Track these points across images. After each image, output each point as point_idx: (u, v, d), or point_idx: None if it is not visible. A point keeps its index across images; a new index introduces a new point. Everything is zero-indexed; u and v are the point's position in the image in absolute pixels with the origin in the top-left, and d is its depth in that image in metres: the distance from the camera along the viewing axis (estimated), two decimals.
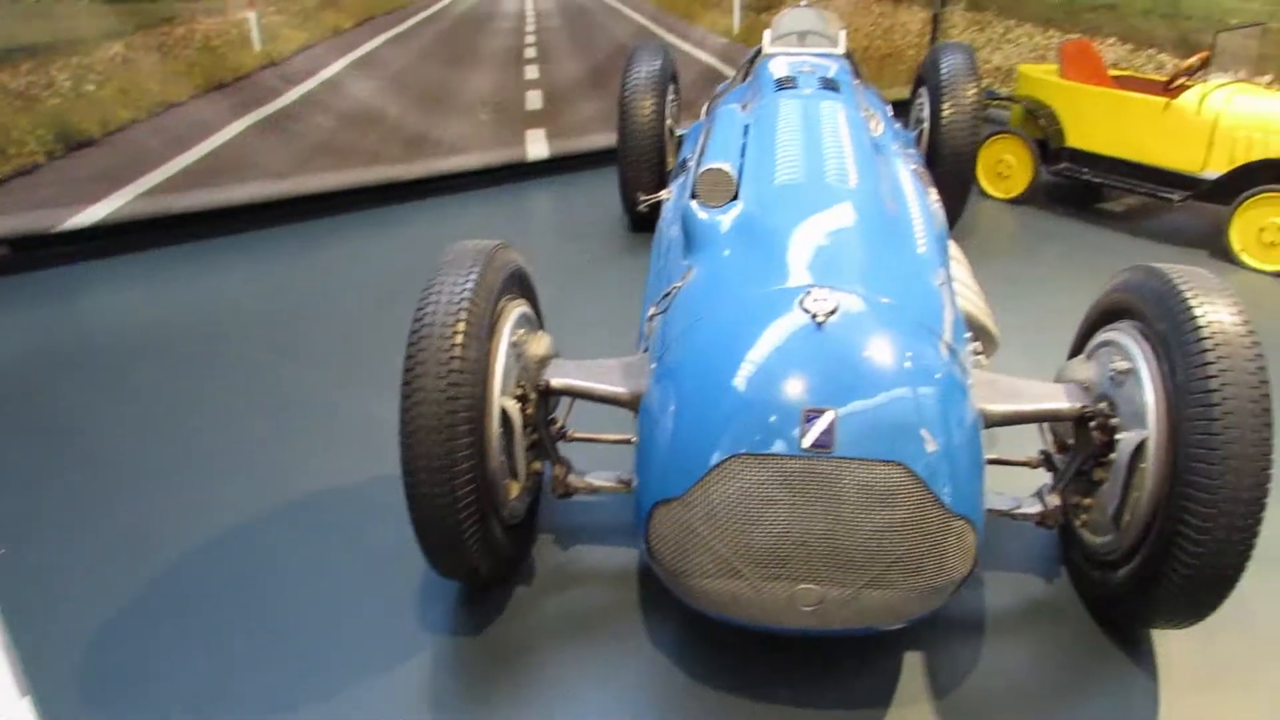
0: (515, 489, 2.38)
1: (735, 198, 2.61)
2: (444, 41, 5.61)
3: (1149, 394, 2.10)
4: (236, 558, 2.66)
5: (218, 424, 3.34)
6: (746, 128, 3.18)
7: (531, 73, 5.96)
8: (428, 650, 2.34)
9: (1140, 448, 2.09)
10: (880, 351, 2.01)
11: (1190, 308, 2.05)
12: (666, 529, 2.00)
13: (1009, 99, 5.77)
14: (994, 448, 3.07)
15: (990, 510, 2.32)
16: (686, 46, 6.56)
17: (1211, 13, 6.12)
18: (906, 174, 3.06)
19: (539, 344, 2.56)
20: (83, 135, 4.71)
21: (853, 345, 2.01)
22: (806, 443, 1.88)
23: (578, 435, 2.71)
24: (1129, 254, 4.96)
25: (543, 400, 2.46)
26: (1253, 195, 4.57)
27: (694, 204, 2.58)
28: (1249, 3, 5.94)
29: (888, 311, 2.12)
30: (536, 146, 6.12)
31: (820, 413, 1.90)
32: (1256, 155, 4.70)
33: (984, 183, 5.81)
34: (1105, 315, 2.44)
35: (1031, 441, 2.64)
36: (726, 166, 2.60)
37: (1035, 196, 5.71)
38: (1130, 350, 2.21)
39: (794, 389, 1.94)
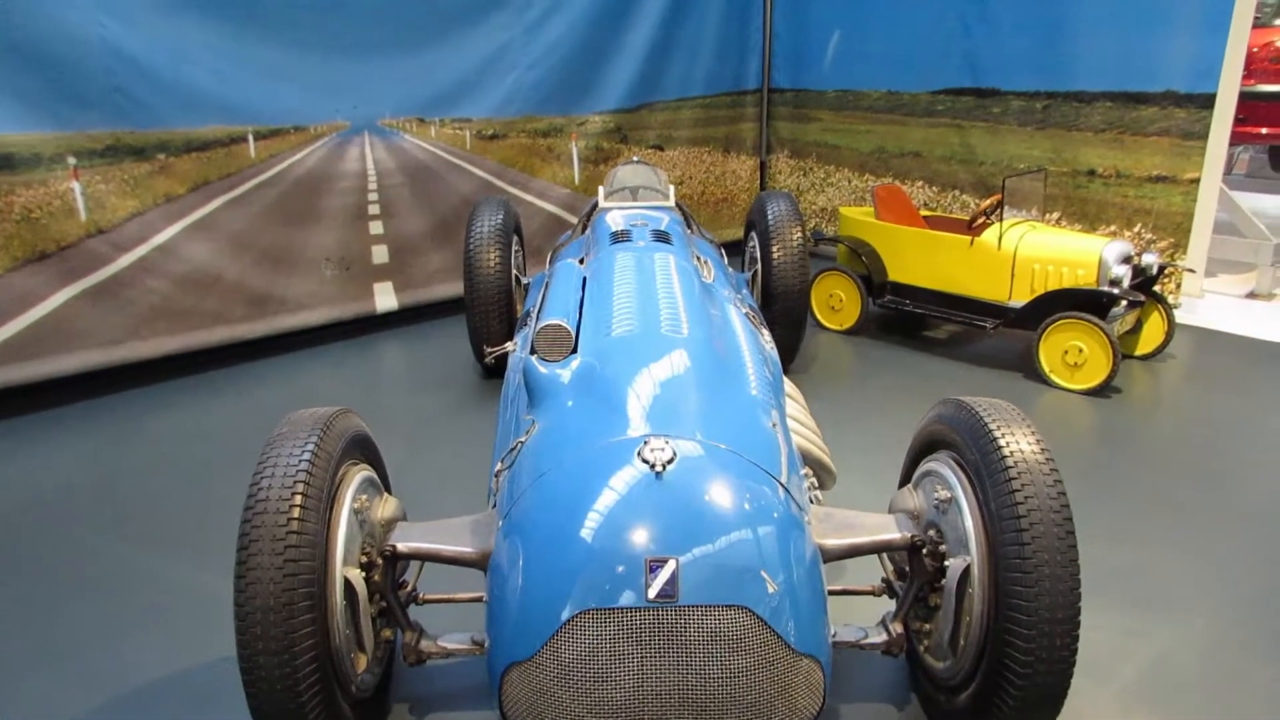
0: (363, 662, 2.28)
1: (574, 351, 2.69)
2: (285, 202, 5.62)
3: (969, 521, 2.24)
4: None
5: (31, 614, 3.06)
6: (585, 280, 3.31)
7: (376, 228, 6.03)
8: None
9: (966, 573, 2.21)
10: (719, 496, 2.08)
11: (995, 439, 2.23)
12: (520, 692, 1.96)
13: (834, 239, 6.23)
14: (841, 578, 3.19)
15: (838, 643, 2.38)
16: (529, 198, 6.81)
17: (1000, 158, 6.87)
18: (738, 318, 3.23)
19: (385, 508, 2.52)
20: None
21: (692, 492, 2.07)
22: (651, 593, 1.90)
23: (430, 597, 2.63)
24: (953, 378, 5.34)
25: (389, 566, 2.40)
26: (1053, 322, 5.04)
27: (533, 359, 2.64)
28: (1031, 150, 6.71)
29: (723, 456, 2.20)
30: (385, 299, 6.14)
31: (663, 562, 1.93)
32: (1052, 285, 5.22)
33: (819, 315, 6.18)
34: (925, 446, 2.61)
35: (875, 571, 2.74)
36: (563, 322, 2.69)
37: (867, 326, 6.11)
38: (949, 480, 2.36)
39: (637, 540, 1.97)
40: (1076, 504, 3.66)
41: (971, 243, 5.47)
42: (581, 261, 3.68)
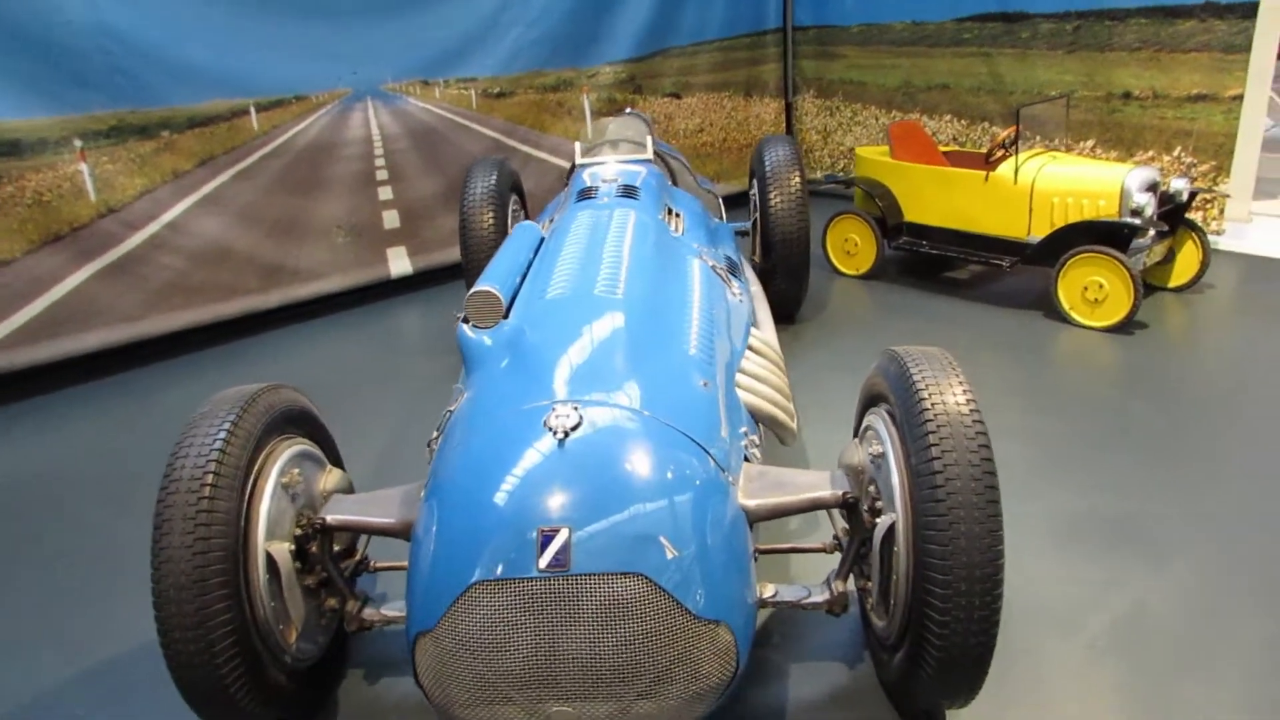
0: (293, 632, 2.32)
1: (506, 316, 2.66)
2: (291, 172, 5.68)
3: (894, 476, 2.15)
4: None
5: (37, 587, 3.21)
6: (542, 241, 3.26)
7: (385, 193, 6.05)
8: None
9: (891, 530, 2.13)
10: (622, 462, 2.04)
11: (918, 391, 2.13)
12: (427, 661, 1.97)
13: (848, 181, 6.02)
14: (795, 535, 3.14)
15: (779, 602, 2.34)
16: (542, 155, 6.75)
17: (1030, 86, 6.52)
18: (699, 272, 3.16)
19: (327, 480, 2.55)
20: None
21: (593, 459, 2.03)
22: (543, 563, 1.88)
23: (380, 565, 2.67)
24: (967, 321, 5.15)
25: (325, 538, 2.43)
26: (1072, 256, 4.79)
27: (464, 326, 2.62)
28: (1062, 75, 6.35)
29: (635, 420, 2.15)
30: (399, 264, 6.19)
31: (556, 531, 1.90)
32: (1072, 218, 4.96)
33: (835, 261, 6.01)
34: (868, 399, 2.51)
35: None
36: (492, 288, 2.65)
37: (885, 271, 5.92)
38: (882, 434, 2.27)
39: (531, 509, 1.95)
40: (1079, 451, 3.58)
41: (987, 178, 5.23)
42: (550, 222, 3.63)
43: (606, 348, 2.42)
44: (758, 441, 2.55)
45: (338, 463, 2.74)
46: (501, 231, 4.79)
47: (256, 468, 2.28)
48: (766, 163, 4.79)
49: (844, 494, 2.28)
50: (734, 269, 3.68)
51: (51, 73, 4.77)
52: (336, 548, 2.56)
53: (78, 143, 4.93)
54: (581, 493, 1.97)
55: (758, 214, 4.90)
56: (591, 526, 1.92)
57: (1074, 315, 4.89)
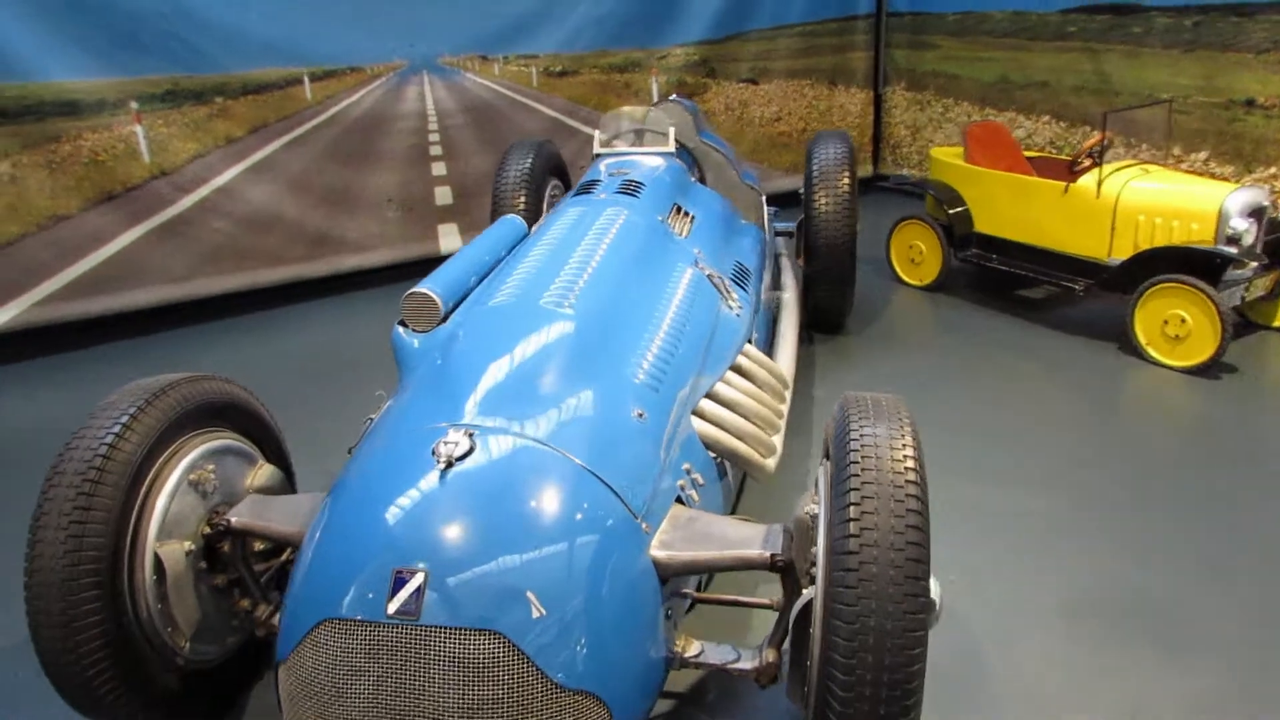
0: (184, 635, 2.23)
1: (445, 319, 2.49)
2: (343, 143, 5.66)
3: (821, 546, 1.88)
4: None
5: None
6: (525, 238, 3.08)
7: (439, 169, 5.98)
8: None
9: (807, 609, 1.86)
10: (503, 502, 1.85)
11: (849, 450, 1.84)
12: (282, 692, 1.84)
13: (914, 185, 5.60)
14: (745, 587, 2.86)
15: (703, 663, 2.11)
16: None
17: (1140, 87, 5.92)
18: (686, 283, 2.91)
19: (255, 477, 2.45)
20: None
21: (471, 495, 1.84)
22: (391, 608, 1.71)
23: None
24: (1030, 348, 4.70)
25: (236, 539, 2.32)
26: (1153, 285, 4.30)
27: (398, 329, 2.46)
28: (1176, 76, 5.73)
29: (534, 454, 1.95)
30: (450, 240, 6.12)
31: (411, 574, 1.73)
32: (1158, 241, 4.45)
33: (898, 268, 5.62)
34: (825, 448, 2.23)
35: None
36: (430, 290, 2.49)
37: (952, 283, 5.49)
38: (821, 492, 2.00)
39: (392, 546, 1.78)
40: (1119, 510, 3.17)
41: (1066, 189, 4.74)
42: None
43: (531, 367, 2.22)
44: (700, 481, 2.31)
45: (278, 459, 2.63)
46: (535, 216, 4.62)
47: (159, 463, 2.19)
48: (815, 160, 4.47)
49: (773, 555, 2.01)
50: (743, 277, 3.40)
51: (110, 36, 4.86)
52: (261, 547, 2.47)
53: (134, 105, 5.02)
54: (448, 533, 1.79)
55: (804, 215, 4.58)
56: (452, 572, 1.73)
57: (1150, 352, 4.39)
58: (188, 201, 5.24)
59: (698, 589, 2.36)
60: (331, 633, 1.74)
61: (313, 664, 1.75)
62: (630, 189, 3.32)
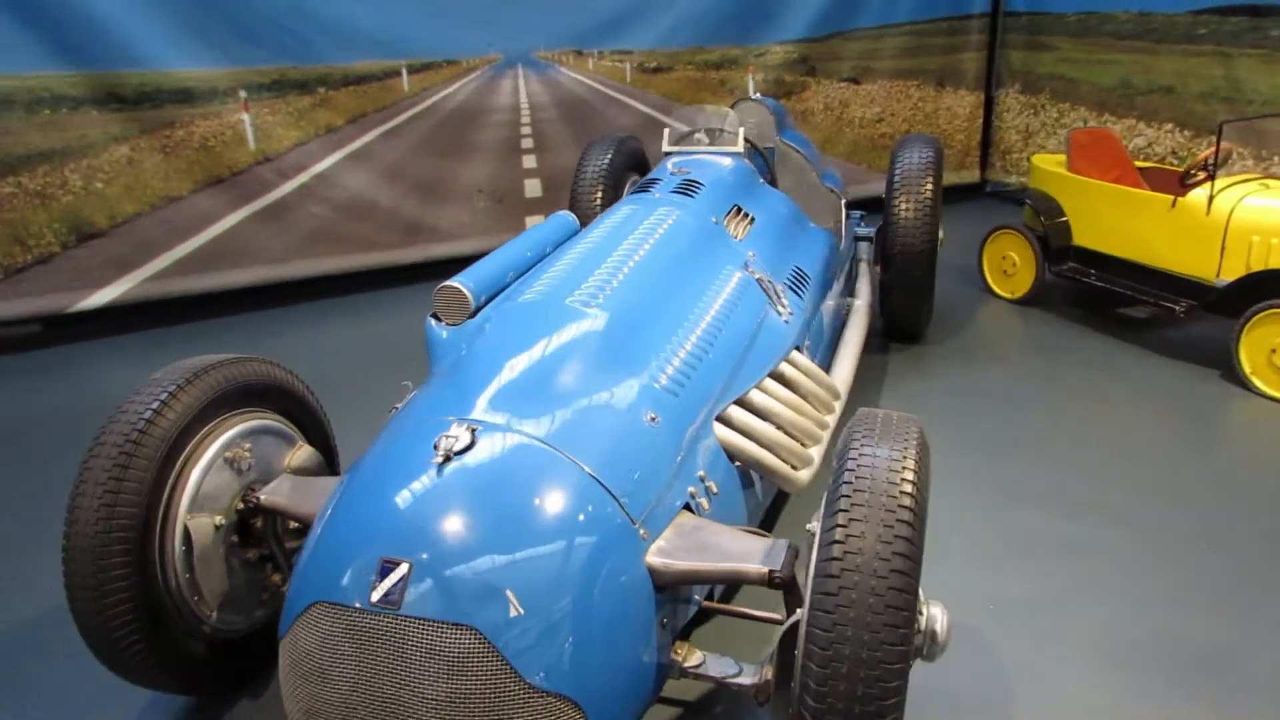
0: (211, 605, 2.33)
1: (476, 314, 2.52)
2: (437, 134, 5.81)
3: (810, 565, 1.82)
4: None
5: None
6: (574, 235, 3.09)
7: (529, 162, 6.07)
8: None
9: (792, 631, 1.81)
10: (495, 498, 1.85)
11: (845, 470, 1.78)
12: (279, 667, 1.90)
13: (1012, 192, 5.34)
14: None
15: (704, 675, 2.08)
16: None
17: (1276, 96, 5.47)
18: (732, 287, 2.87)
19: (294, 457, 2.55)
20: (93, 227, 5.15)
21: (465, 490, 1.86)
22: (375, 596, 1.74)
23: None
24: (1124, 372, 4.42)
25: (268, 515, 2.42)
26: (1262, 310, 3.98)
27: (431, 320, 2.51)
28: None
29: (533, 452, 1.95)
30: None
31: (396, 564, 1.76)
32: (1273, 263, 4.11)
33: (990, 279, 5.38)
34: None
35: None
36: (461, 284, 2.52)
37: (1047, 297, 5.22)
38: (823, 509, 1.93)
39: (382, 534, 1.81)
40: (1193, 553, 2.99)
41: (1174, 203, 4.43)
42: None
43: (547, 365, 2.22)
44: (714, 490, 2.26)
45: (320, 441, 2.72)
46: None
47: (195, 440, 2.29)
48: (898, 165, 4.33)
49: (771, 572, 1.96)
50: (801, 283, 3.31)
51: (227, 28, 5.13)
52: (296, 525, 2.56)
53: (242, 94, 5.29)
54: (437, 526, 1.81)
55: (883, 221, 4.44)
56: (436, 565, 1.75)
57: (1255, 382, 4.07)
58: (288, 187, 5.49)
59: (710, 598, 2.32)
60: (321, 615, 1.79)
61: (304, 644, 1.80)
62: (688, 189, 3.29)
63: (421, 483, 1.88)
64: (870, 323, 4.17)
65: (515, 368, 2.21)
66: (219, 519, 2.33)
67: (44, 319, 5.24)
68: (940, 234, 4.72)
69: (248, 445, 2.42)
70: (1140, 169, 5.14)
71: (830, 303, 3.96)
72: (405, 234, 5.86)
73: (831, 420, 3.09)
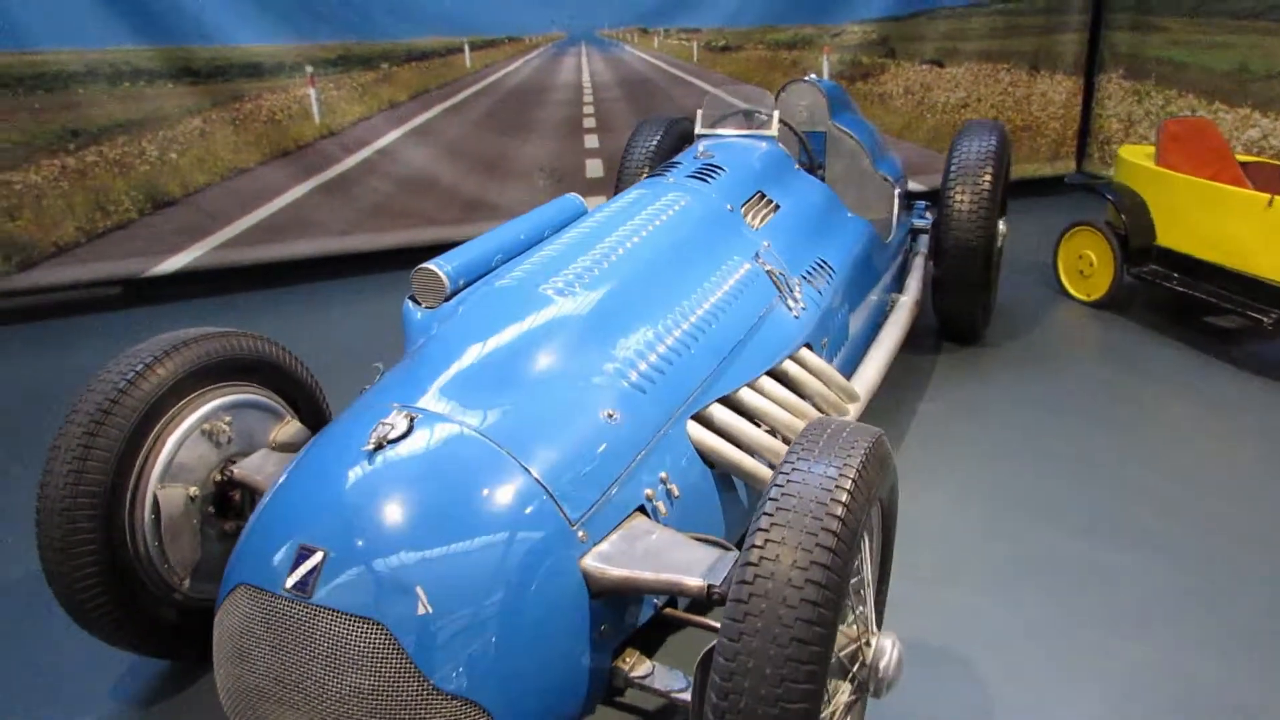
0: (181, 573, 2.37)
1: (452, 297, 2.47)
2: (498, 112, 5.81)
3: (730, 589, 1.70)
4: None
5: None
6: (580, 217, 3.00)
7: (591, 141, 6.00)
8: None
9: (709, 655, 1.69)
10: (417, 490, 1.80)
11: (782, 477, 1.66)
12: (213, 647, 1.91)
13: (1092, 185, 4.96)
14: None
15: (648, 687, 2.00)
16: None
17: None
18: (737, 278, 2.74)
19: (280, 432, 2.57)
20: (167, 196, 5.36)
21: (389, 481, 1.81)
22: (289, 583, 1.72)
23: None
24: (1197, 388, 4.04)
25: (246, 489, 2.44)
26: None
27: (408, 302, 2.47)
28: None
29: (468, 444, 1.89)
30: None
31: (312, 552, 1.73)
32: None
33: (1065, 280, 5.04)
34: None
35: None
36: (437, 266, 2.47)
37: (1127, 301, 4.85)
38: None
39: (304, 521, 1.79)
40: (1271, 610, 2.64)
41: (1271, 202, 4.03)
42: None
43: (506, 354, 2.15)
44: (675, 493, 2.16)
45: (313, 418, 2.73)
46: None
47: (172, 411, 2.33)
48: (956, 153, 4.07)
49: (710, 587, 1.85)
50: (821, 276, 3.14)
51: (290, 3, 5.22)
52: None
53: (308, 69, 5.39)
54: (355, 516, 1.77)
55: (938, 212, 4.20)
56: (350, 556, 1.72)
57: None
58: (351, 161, 5.59)
59: (673, 604, 2.23)
60: (243, 597, 1.78)
61: (227, 624, 1.80)
62: (706, 173, 3.16)
63: (349, 470, 1.85)
64: (913, 321, 3.95)
65: (473, 355, 2.15)
66: (194, 490, 2.36)
67: (122, 282, 5.50)
68: (1002, 229, 4.45)
69: (228, 419, 2.44)
70: (1243, 164, 4.71)
71: (873, 297, 3.77)
72: (465, 211, 5.89)
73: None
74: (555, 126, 5.96)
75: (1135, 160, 4.75)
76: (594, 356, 2.21)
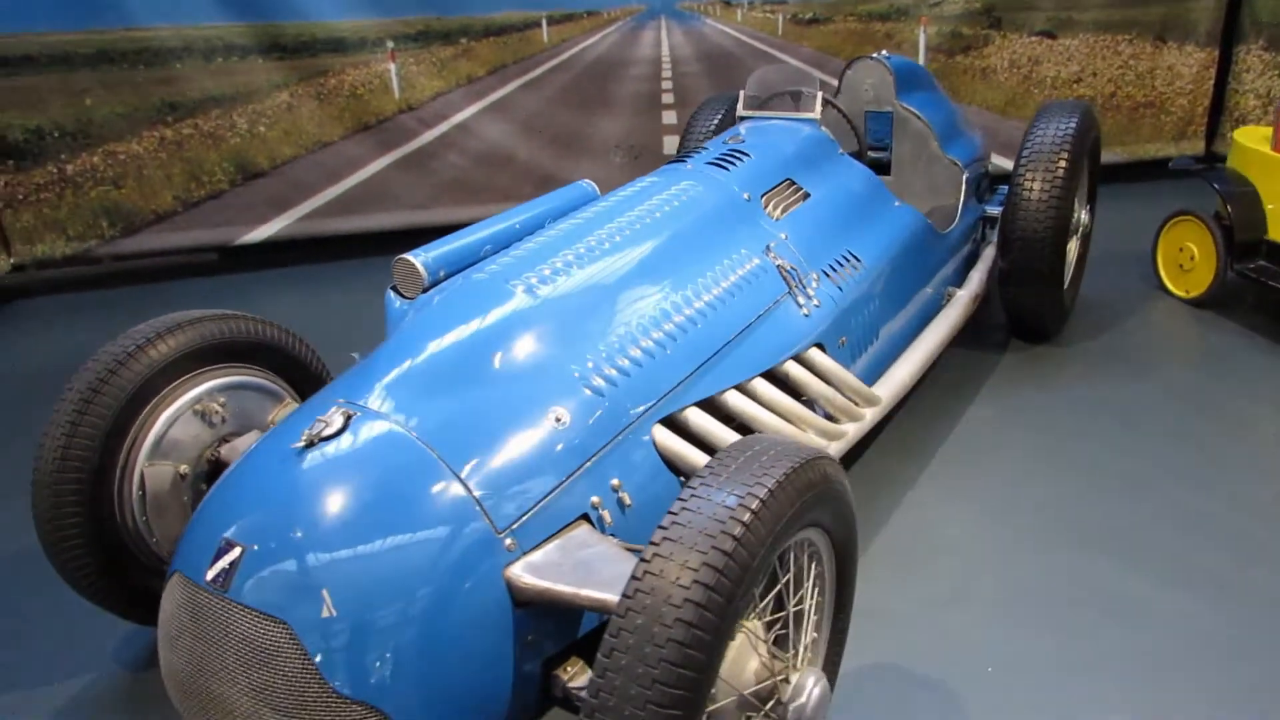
0: (170, 547, 2.47)
1: (431, 288, 2.45)
2: (576, 87, 5.76)
3: None
4: None
5: None
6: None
7: (669, 118, 5.88)
8: (86, 678, 2.55)
9: None
10: (339, 490, 1.80)
11: (670, 511, 1.58)
12: None
13: (1198, 171, 4.49)
14: None
15: (576, 697, 1.95)
16: None
17: None
18: (741, 273, 2.62)
19: (278, 414, 2.63)
20: (256, 168, 5.60)
21: (312, 479, 1.82)
22: (209, 575, 1.76)
23: None
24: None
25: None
26: None
27: (390, 292, 2.47)
28: None
29: (395, 444, 1.88)
30: None
31: (231, 547, 1.76)
32: None
33: (1164, 275, 4.60)
34: None
35: None
36: (415, 258, 2.45)
37: (1232, 300, 4.38)
38: None
39: (230, 515, 1.83)
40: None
41: None
42: None
43: (460, 351, 2.11)
44: (627, 502, 2.08)
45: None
46: None
47: (165, 390, 2.41)
48: (1030, 136, 3.76)
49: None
50: (845, 270, 2.96)
51: None
52: None
53: (389, 44, 5.49)
54: (274, 513, 1.79)
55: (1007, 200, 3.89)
56: (265, 553, 1.74)
57: None
58: (429, 135, 5.67)
59: None
60: (176, 585, 1.84)
61: (165, 608, 1.87)
62: (727, 159, 3.02)
63: (277, 465, 1.87)
64: (969, 317, 3.70)
65: (429, 352, 2.12)
66: (183, 468, 2.46)
67: (217, 249, 5.79)
68: (1083, 218, 4.10)
69: (222, 399, 2.52)
70: None
71: (925, 291, 3.55)
72: (541, 186, 5.87)
73: (853, 430, 2.78)
74: (632, 102, 5.87)
75: (1250, 144, 4.27)
76: (555, 356, 2.16)
